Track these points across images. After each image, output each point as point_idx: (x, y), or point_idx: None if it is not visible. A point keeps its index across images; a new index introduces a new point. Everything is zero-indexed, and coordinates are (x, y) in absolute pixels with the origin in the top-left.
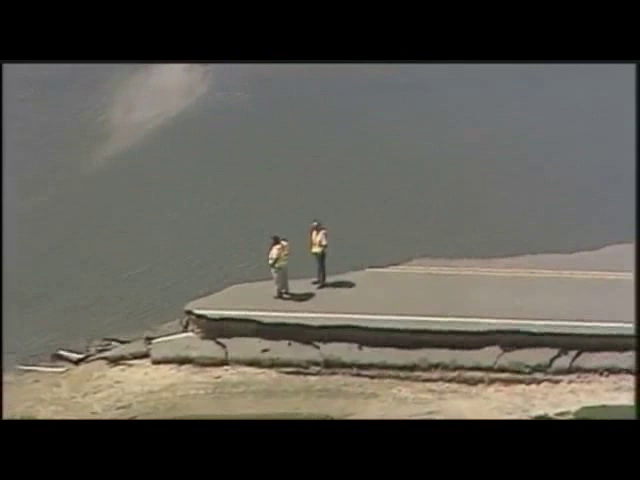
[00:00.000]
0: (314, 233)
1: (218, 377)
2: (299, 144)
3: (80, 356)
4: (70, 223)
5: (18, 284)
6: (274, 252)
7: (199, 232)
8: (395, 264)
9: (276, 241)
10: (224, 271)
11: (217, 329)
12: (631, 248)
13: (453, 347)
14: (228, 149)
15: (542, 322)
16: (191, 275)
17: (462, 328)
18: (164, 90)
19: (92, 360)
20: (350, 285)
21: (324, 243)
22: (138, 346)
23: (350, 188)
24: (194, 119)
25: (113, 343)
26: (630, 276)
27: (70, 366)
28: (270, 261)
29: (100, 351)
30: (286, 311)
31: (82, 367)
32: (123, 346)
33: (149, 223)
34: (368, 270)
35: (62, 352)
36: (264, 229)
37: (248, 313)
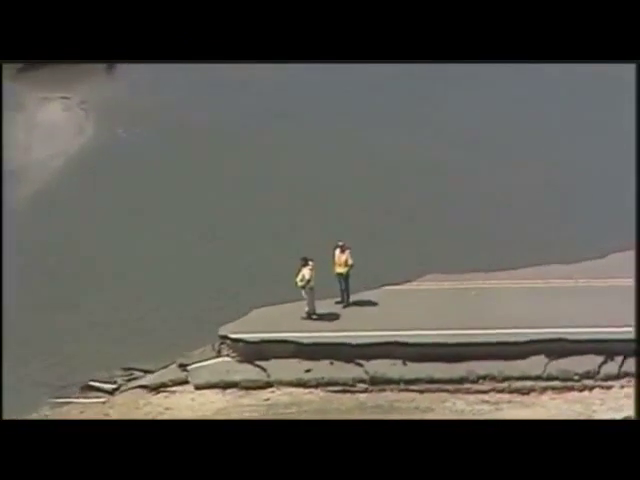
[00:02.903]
0: (338, 253)
1: (267, 399)
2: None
3: (114, 386)
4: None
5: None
6: (306, 273)
7: (197, 264)
8: (408, 281)
9: (305, 262)
10: (239, 298)
11: (254, 352)
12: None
13: (497, 358)
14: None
15: (583, 329)
16: (205, 303)
17: (508, 339)
18: (54, 129)
19: (127, 389)
20: (373, 304)
21: (350, 262)
22: (175, 373)
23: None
24: (97, 156)
25: (136, 373)
26: None
27: (106, 396)
28: (301, 282)
29: (128, 380)
30: (322, 331)
31: (121, 396)
32: (159, 373)
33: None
34: (384, 288)
35: (94, 383)
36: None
37: (286, 335)
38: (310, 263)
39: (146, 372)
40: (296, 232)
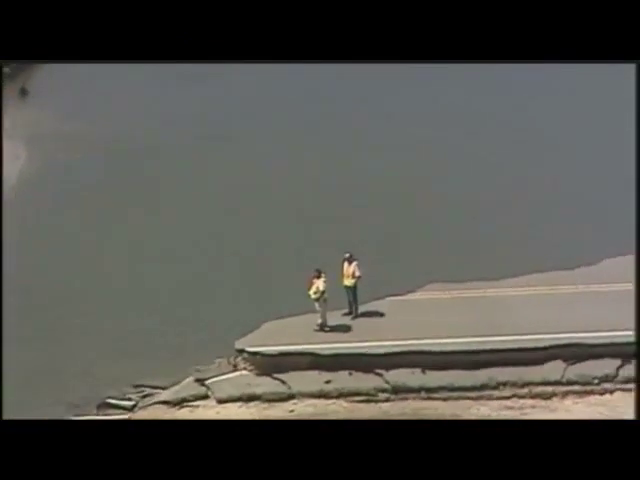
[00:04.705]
0: (346, 265)
1: (292, 411)
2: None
3: (132, 403)
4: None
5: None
6: (320, 285)
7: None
8: (412, 291)
9: (319, 274)
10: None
11: (272, 365)
12: (628, 260)
13: (516, 364)
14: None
15: (598, 334)
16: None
17: (526, 345)
18: None
19: (146, 406)
20: (381, 314)
21: (358, 274)
22: (193, 387)
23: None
24: (44, 181)
25: (147, 389)
26: None
27: (126, 413)
28: (315, 295)
29: (143, 397)
30: (338, 342)
31: (143, 412)
32: (176, 388)
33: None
34: (389, 298)
35: (111, 400)
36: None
37: (304, 347)
38: (323, 275)
39: (157, 388)
40: (295, 245)
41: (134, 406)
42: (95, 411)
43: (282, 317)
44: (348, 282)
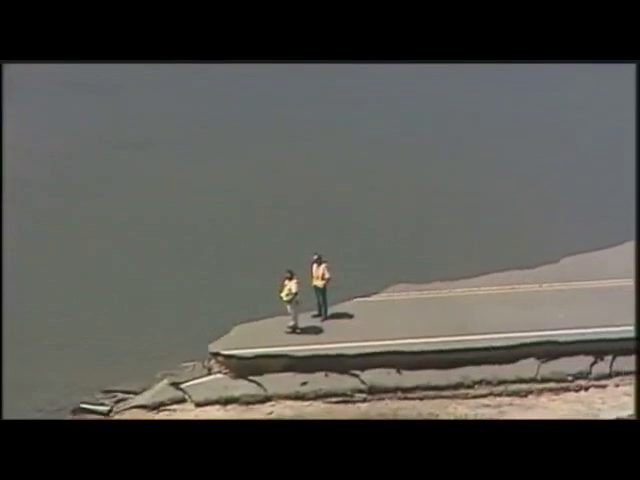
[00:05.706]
0: (315, 266)
1: (270, 413)
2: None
3: (108, 407)
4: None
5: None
6: (293, 287)
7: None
8: (376, 293)
9: (291, 275)
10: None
11: (247, 368)
12: (585, 258)
13: (490, 363)
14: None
15: (570, 331)
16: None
17: (500, 343)
18: None
19: (122, 410)
20: (351, 316)
21: (327, 276)
22: (169, 391)
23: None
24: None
25: (119, 395)
26: (608, 283)
27: (102, 418)
28: (287, 297)
29: (116, 402)
30: (312, 344)
31: (122, 417)
32: (151, 393)
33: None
34: (356, 300)
35: (86, 405)
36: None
37: (280, 349)
38: (295, 276)
39: (129, 393)
40: (262, 246)
41: (110, 411)
42: (70, 417)
43: (251, 320)
44: (318, 283)
